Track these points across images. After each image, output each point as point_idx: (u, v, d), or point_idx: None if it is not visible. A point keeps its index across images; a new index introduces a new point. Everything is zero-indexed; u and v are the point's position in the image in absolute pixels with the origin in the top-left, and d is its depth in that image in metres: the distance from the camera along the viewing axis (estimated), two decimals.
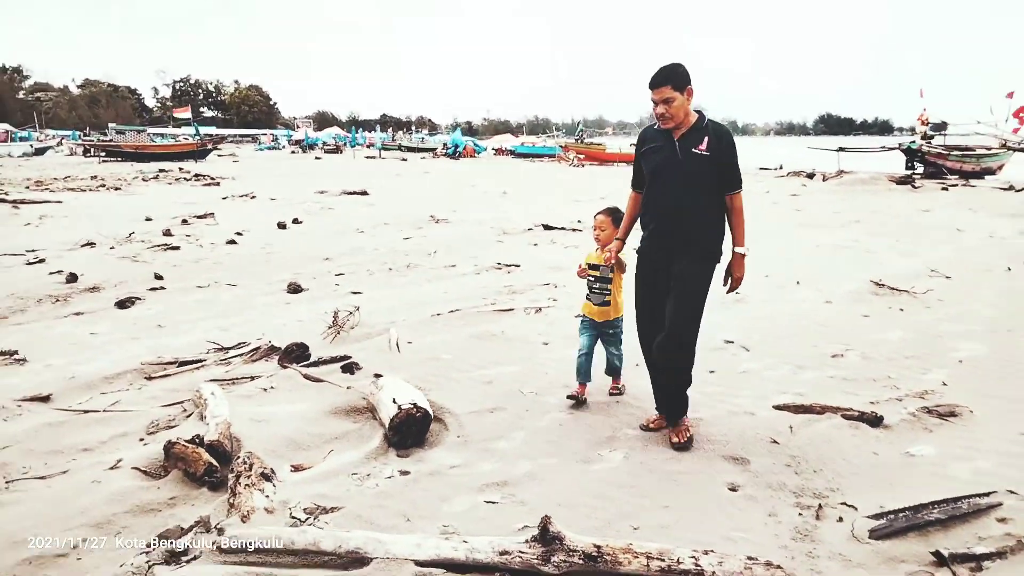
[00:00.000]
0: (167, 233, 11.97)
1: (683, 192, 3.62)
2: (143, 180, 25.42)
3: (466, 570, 2.71)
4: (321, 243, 11.24)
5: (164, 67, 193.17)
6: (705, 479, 3.47)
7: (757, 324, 6.15)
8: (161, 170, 30.93)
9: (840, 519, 3.08)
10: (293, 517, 3.10)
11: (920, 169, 25.33)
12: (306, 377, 4.82)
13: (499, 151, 60.69)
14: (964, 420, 4.07)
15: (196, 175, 27.09)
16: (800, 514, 3.16)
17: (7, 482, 3.55)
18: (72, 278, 8.21)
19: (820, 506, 3.20)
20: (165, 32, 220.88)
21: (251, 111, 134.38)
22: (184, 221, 13.60)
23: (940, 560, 2.76)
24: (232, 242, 11.16)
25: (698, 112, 3.67)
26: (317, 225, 13.56)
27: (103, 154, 44.32)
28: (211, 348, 5.58)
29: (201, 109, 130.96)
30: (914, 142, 26.41)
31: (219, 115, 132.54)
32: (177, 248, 10.58)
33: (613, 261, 4.02)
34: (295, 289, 7.77)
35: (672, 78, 3.53)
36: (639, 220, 3.95)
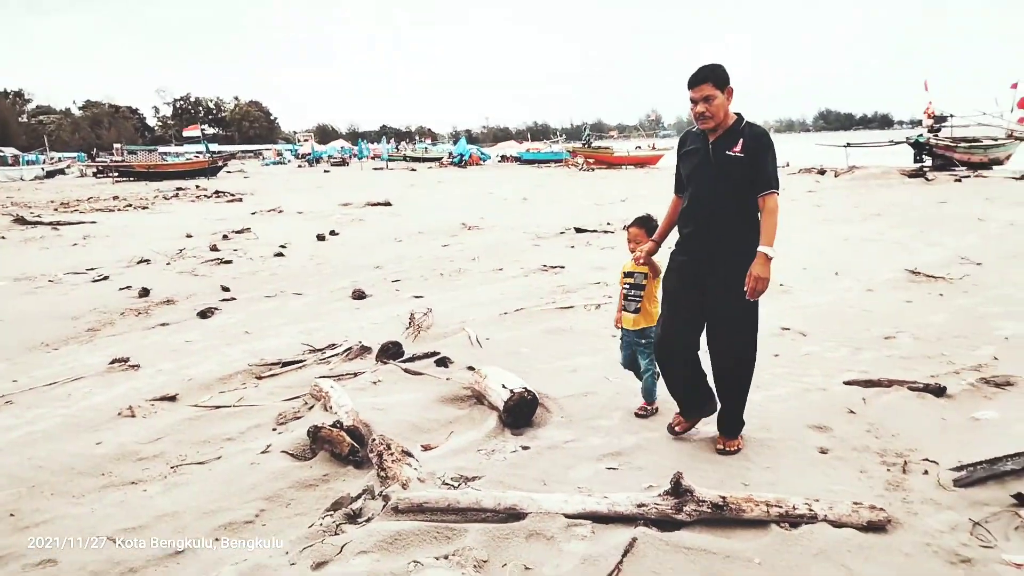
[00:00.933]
0: (214, 248, 12.45)
1: (715, 197, 3.53)
2: (164, 199, 25.97)
3: (608, 521, 3.13)
4: (363, 253, 11.70)
5: (164, 86, 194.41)
6: (795, 444, 3.89)
7: (806, 312, 6.56)
8: (179, 188, 31.52)
9: (925, 472, 3.50)
10: (444, 484, 3.52)
11: (928, 162, 25.74)
12: (406, 371, 5.26)
13: (504, 158, 61.29)
14: (1020, 388, 4.48)
15: (217, 192, 27.63)
16: (888, 470, 3.57)
17: (171, 467, 3.99)
18: (144, 292, 8.67)
19: (905, 463, 3.61)
20: (163, 52, 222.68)
21: (252, 127, 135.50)
22: (225, 236, 14.08)
23: (1020, 501, 3.17)
24: (280, 254, 11.63)
25: (737, 114, 3.54)
26: (353, 236, 14.02)
27: (115, 174, 45.02)
28: (306, 350, 6.02)
29: (202, 126, 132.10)
30: (921, 135, 26.85)
31: (220, 132, 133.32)
32: (230, 262, 11.04)
33: (642, 261, 3.99)
34: (359, 295, 8.21)
35: (713, 76, 3.43)
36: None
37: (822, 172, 25.04)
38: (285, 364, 5.64)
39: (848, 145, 30.04)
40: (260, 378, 5.43)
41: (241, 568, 2.89)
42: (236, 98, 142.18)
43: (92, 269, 10.74)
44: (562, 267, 9.51)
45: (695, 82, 3.45)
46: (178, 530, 3.29)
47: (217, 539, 3.22)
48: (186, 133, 53.92)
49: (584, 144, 47.49)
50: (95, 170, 50.73)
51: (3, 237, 15.27)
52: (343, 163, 63.92)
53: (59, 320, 7.60)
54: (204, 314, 7.57)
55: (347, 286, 8.80)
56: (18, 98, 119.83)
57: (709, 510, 3.13)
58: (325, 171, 51.22)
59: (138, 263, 11.22)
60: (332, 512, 3.31)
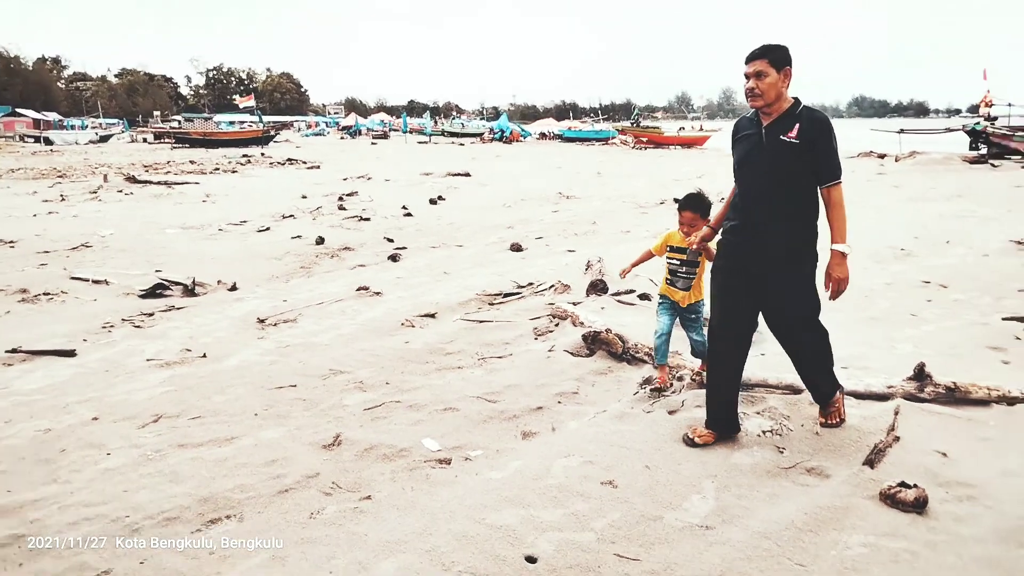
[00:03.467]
0: (342, 207, 13.57)
1: (767, 184, 3.33)
2: (240, 165, 27.15)
3: (863, 398, 4.18)
4: (482, 215, 12.76)
5: (197, 56, 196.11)
6: (981, 359, 4.90)
7: (936, 271, 7.51)
8: (245, 155, 32.72)
9: None
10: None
11: (984, 150, 26.25)
12: (619, 302, 6.32)
13: (543, 136, 61.96)
14: None
15: (289, 159, 28.76)
16: None
17: (480, 359, 5.09)
18: (320, 241, 9.81)
19: None
20: (195, 21, 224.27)
21: (283, 98, 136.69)
22: (340, 198, 15.19)
23: None
24: (409, 215, 12.73)
25: (795, 99, 3.34)
26: (460, 202, 15.08)
27: (172, 140, 46.45)
28: (515, 286, 7.09)
29: (233, 97, 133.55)
30: (979, 123, 27.30)
31: (234, 101, 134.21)
32: (368, 219, 12.16)
33: (695, 247, 3.91)
34: (517, 248, 9.27)
35: (771, 53, 3.26)
36: None
37: (882, 156, 25.69)
38: (507, 295, 6.72)
39: (902, 131, 30.54)
40: (492, 304, 6.52)
41: (611, 412, 3.98)
42: (268, 69, 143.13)
43: (245, 222, 11.89)
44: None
45: (751, 58, 3.29)
46: (526, 394, 4.38)
47: (560, 402, 4.30)
48: (241, 103, 55.33)
49: (633, 124, 48.27)
50: (153, 135, 52.21)
51: (131, 193, 16.52)
52: (384, 136, 64.87)
53: (265, 260, 8.75)
54: (394, 258, 8.69)
55: (496, 241, 9.87)
56: (55, 64, 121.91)
57: (943, 391, 4.16)
58: (372, 143, 52.23)
59: (283, 218, 12.36)
60: (644, 386, 4.39)
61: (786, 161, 3.28)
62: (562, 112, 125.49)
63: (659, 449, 3.53)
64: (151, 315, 6.29)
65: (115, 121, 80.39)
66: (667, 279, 4.23)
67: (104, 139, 55.77)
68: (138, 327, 5.95)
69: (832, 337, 3.66)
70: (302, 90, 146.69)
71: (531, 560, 2.67)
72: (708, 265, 3.95)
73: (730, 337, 3.57)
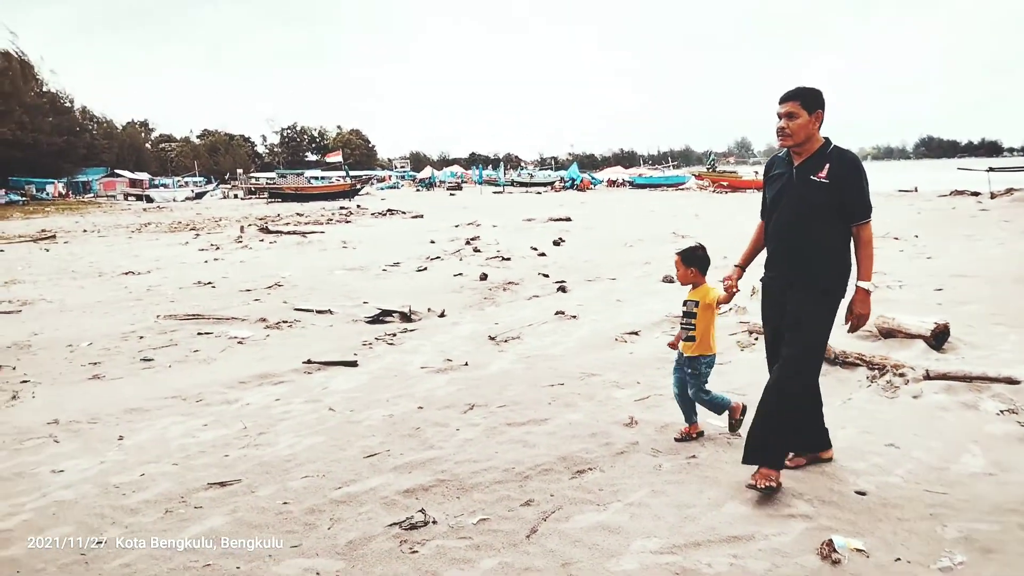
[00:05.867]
0: (476, 250, 14.72)
1: (798, 222, 3.44)
2: (346, 216, 28.95)
3: None
4: (609, 254, 13.70)
5: (272, 116, 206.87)
6: None
7: None
8: (342, 208, 34.75)
9: None
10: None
11: None
12: None
13: (611, 183, 63.12)
14: None
15: (390, 211, 30.49)
16: None
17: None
18: (483, 277, 10.87)
19: None
20: (261, 84, 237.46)
21: (352, 154, 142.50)
22: (467, 242, 16.39)
23: None
24: (543, 254, 13.79)
25: (825, 139, 3.45)
26: (579, 243, 16.08)
27: (267, 195, 49.37)
28: None
29: (306, 154, 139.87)
30: None
31: (322, 158, 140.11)
32: (508, 259, 13.23)
33: (734, 289, 3.82)
34: (669, 280, 10.11)
35: (803, 96, 3.38)
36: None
37: (976, 194, 25.75)
38: None
39: (991, 169, 30.41)
40: None
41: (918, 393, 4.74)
42: (339, 127, 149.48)
43: (398, 264, 13.11)
44: None
45: (784, 99, 3.42)
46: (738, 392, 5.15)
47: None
48: (328, 159, 58.59)
49: (709, 169, 49.14)
50: (247, 190, 55.61)
51: (274, 242, 18.13)
52: (458, 187, 67.09)
53: (444, 293, 9.84)
54: (563, 289, 9.66)
55: (643, 275, 10.76)
56: (143, 127, 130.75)
57: None
58: (451, 194, 54.19)
59: (430, 259, 13.56)
60: (880, 375, 5.15)
61: (815, 200, 3.38)
62: (620, 159, 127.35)
63: None
64: (394, 335, 7.35)
65: (200, 179, 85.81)
66: (681, 334, 4.21)
67: (199, 196, 59.62)
68: (391, 344, 7.01)
69: None
70: (370, 145, 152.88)
71: None
72: (715, 316, 4.07)
73: (773, 346, 3.67)
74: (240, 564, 3.12)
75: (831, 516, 3.31)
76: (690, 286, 4.15)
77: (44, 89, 65.04)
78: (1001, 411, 4.43)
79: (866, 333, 6.58)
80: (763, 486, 3.37)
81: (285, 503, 3.69)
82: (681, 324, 4.18)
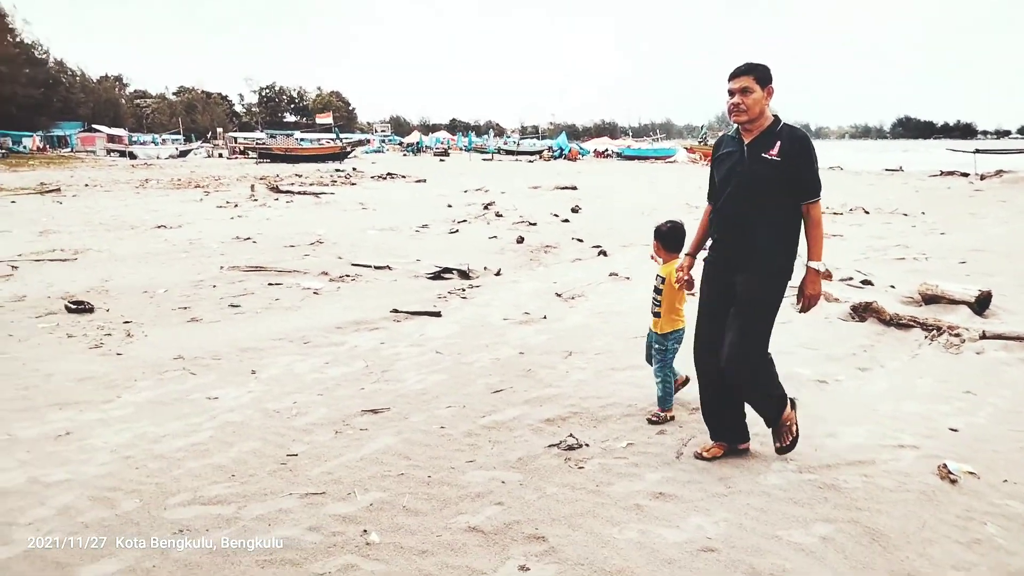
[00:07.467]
0: (498, 215, 15.04)
1: (748, 201, 3.37)
2: (346, 178, 28.96)
3: None
4: (631, 221, 14.11)
5: (251, 75, 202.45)
6: None
7: None
8: (338, 170, 34.65)
9: None
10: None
11: None
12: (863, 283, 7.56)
13: (598, 153, 63.36)
14: None
15: (389, 174, 30.53)
16: None
17: None
18: (520, 240, 11.24)
19: None
20: (241, 40, 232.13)
21: (333, 116, 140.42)
22: (485, 207, 16.69)
23: None
24: (566, 220, 14.16)
25: (775, 116, 3.41)
26: (596, 211, 16.47)
27: (255, 156, 48.88)
28: None
29: (284, 114, 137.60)
30: None
31: (302, 119, 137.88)
32: (535, 224, 13.59)
33: (685, 278, 3.76)
34: None
35: (756, 70, 3.34)
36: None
37: (965, 175, 26.53)
38: None
39: (977, 151, 31.33)
40: None
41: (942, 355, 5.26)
42: (319, 88, 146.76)
43: (426, 226, 13.40)
44: (840, 236, 11.74)
45: (737, 74, 3.36)
46: (830, 346, 5.65)
47: (855, 354, 5.57)
48: (319, 120, 57.99)
49: (700, 142, 49.70)
50: (231, 150, 54.93)
51: (291, 201, 18.26)
52: (445, 153, 66.74)
53: (486, 254, 10.20)
54: (603, 252, 10.07)
55: None
56: (118, 82, 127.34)
57: None
58: (440, 160, 53.95)
59: (457, 222, 13.87)
60: (938, 335, 5.66)
61: (767, 178, 3.32)
62: (602, 130, 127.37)
63: None
64: (463, 290, 7.73)
65: (180, 137, 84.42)
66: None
67: (183, 154, 58.77)
68: (464, 298, 7.38)
69: None
70: (351, 108, 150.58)
71: None
72: (684, 293, 4.03)
73: (711, 332, 3.58)
74: (430, 474, 3.54)
75: (933, 447, 3.80)
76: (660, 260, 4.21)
77: (18, 39, 63.22)
78: None
79: (908, 299, 7.12)
80: (709, 456, 3.66)
81: (442, 427, 4.10)
82: (653, 299, 4.20)
